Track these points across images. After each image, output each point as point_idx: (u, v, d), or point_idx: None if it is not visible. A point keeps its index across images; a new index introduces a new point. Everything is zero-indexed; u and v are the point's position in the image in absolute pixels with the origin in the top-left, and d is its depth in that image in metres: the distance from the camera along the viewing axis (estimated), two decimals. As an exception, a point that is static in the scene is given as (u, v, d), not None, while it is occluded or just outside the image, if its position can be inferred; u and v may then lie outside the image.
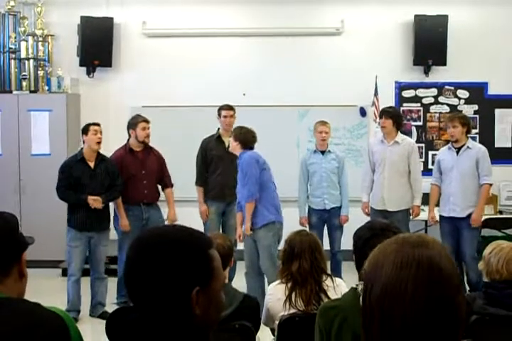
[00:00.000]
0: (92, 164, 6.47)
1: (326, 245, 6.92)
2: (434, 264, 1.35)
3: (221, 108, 7.32)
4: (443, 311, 1.33)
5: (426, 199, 7.24)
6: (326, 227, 7.30)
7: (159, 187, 7.15)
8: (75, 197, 6.39)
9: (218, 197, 7.25)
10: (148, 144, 6.98)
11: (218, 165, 7.22)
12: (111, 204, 6.75)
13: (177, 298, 1.54)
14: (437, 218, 6.99)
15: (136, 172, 6.86)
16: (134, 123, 6.90)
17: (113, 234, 6.93)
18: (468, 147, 6.73)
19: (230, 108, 7.28)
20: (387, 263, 1.37)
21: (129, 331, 1.60)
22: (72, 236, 6.45)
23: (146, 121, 6.91)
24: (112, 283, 6.90)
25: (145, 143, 6.92)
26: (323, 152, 7.27)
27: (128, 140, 7.00)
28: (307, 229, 6.89)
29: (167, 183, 7.13)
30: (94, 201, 6.36)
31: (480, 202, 6.72)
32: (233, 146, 6.47)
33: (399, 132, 7.13)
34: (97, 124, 6.57)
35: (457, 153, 6.75)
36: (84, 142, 6.55)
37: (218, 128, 7.37)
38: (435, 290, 1.33)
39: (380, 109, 7.73)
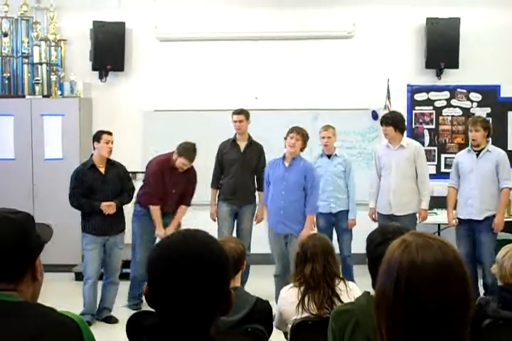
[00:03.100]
0: (102, 170, 6.51)
1: (336, 249, 6.93)
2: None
3: (232, 113, 7.33)
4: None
5: (441, 202, 7.20)
6: (334, 231, 7.30)
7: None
8: (89, 205, 6.41)
9: (230, 200, 7.28)
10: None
11: (231, 169, 7.25)
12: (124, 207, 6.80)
13: (207, 310, 1.61)
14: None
15: (167, 191, 6.87)
16: (178, 153, 6.74)
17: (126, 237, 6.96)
18: (488, 150, 6.72)
19: (239, 113, 7.27)
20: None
21: (152, 335, 1.62)
22: (88, 240, 6.46)
23: (189, 160, 6.74)
24: (122, 287, 6.94)
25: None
26: (329, 156, 7.28)
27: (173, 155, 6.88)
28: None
29: (186, 202, 7.05)
30: (108, 207, 6.39)
31: (501, 207, 6.71)
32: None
33: (404, 136, 7.11)
34: (110, 133, 6.57)
35: (477, 156, 6.74)
36: (94, 148, 6.58)
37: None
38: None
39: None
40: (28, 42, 8.85)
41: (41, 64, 8.79)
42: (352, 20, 8.86)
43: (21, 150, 8.48)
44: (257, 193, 7.39)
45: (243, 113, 7.27)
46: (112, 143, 6.54)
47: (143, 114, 8.73)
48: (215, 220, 7.35)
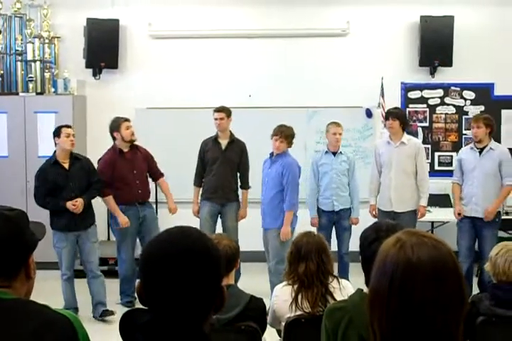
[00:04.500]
0: (66, 165, 6.47)
1: (334, 246, 6.93)
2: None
3: (213, 110, 7.27)
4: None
5: (434, 200, 7.23)
6: (334, 228, 7.29)
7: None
8: (53, 203, 6.38)
9: (212, 198, 7.24)
10: (134, 143, 7.01)
11: (213, 167, 7.22)
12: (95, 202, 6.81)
13: (201, 305, 1.61)
14: (450, 217, 7.03)
15: (128, 173, 6.92)
16: (116, 125, 6.93)
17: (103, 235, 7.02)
18: (491, 148, 6.76)
19: (219, 110, 7.21)
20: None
21: (146, 332, 1.61)
22: (58, 238, 6.43)
23: (128, 120, 6.99)
24: (115, 284, 6.95)
25: (132, 141, 6.95)
26: (334, 153, 7.25)
27: (114, 143, 7.00)
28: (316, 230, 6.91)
29: (157, 174, 7.19)
30: (75, 206, 6.33)
31: (499, 199, 6.76)
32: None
33: (405, 133, 7.13)
34: (69, 126, 6.61)
35: (480, 153, 6.76)
36: (56, 145, 6.53)
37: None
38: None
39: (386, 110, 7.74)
40: (21, 40, 8.82)
41: (35, 61, 8.76)
42: (346, 18, 8.86)
43: (15, 147, 8.45)
44: (240, 191, 7.38)
45: (224, 110, 7.21)
46: (74, 136, 6.51)
47: (136, 111, 8.70)
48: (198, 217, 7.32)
